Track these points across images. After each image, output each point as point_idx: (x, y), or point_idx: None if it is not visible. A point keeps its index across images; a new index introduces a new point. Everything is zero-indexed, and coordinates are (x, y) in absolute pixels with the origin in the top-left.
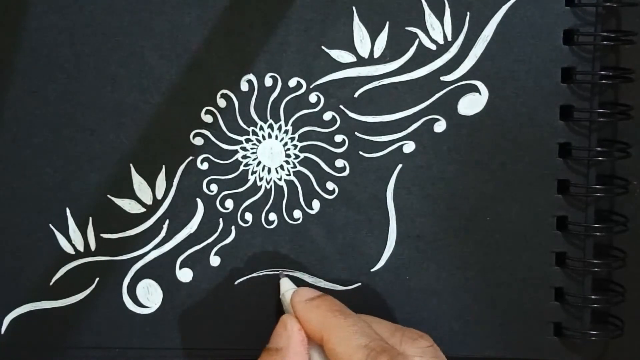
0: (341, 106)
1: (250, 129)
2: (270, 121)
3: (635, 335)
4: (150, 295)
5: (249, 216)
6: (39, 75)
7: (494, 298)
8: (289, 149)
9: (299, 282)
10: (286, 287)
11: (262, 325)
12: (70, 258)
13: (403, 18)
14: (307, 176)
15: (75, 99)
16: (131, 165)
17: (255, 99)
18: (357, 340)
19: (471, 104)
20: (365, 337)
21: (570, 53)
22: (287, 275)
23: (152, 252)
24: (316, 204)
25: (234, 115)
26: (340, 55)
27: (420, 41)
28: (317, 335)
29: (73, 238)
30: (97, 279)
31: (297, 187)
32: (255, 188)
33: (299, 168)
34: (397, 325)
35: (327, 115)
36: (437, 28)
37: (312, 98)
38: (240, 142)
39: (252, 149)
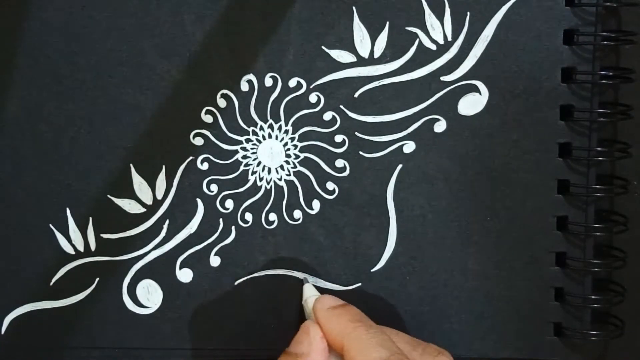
0: (341, 106)
1: (250, 129)
2: (271, 121)
3: (635, 335)
4: (150, 296)
5: (249, 216)
6: (39, 75)
7: (494, 298)
8: (289, 149)
9: (298, 283)
10: (309, 293)
11: (262, 326)
12: (70, 258)
13: (403, 18)
14: (307, 176)
15: (75, 99)
16: (131, 165)
17: (256, 99)
18: (377, 352)
19: (471, 104)
20: (385, 350)
21: (570, 53)
22: (311, 282)
23: (152, 252)
24: (316, 204)
25: (234, 115)
26: (340, 55)
27: (420, 41)
28: (338, 345)
29: (73, 238)
30: (97, 279)
31: (297, 187)
32: (255, 188)
33: (299, 168)
34: (417, 340)
35: (327, 115)
36: (437, 28)
37: (312, 98)
38: (241, 142)
39: (252, 149)
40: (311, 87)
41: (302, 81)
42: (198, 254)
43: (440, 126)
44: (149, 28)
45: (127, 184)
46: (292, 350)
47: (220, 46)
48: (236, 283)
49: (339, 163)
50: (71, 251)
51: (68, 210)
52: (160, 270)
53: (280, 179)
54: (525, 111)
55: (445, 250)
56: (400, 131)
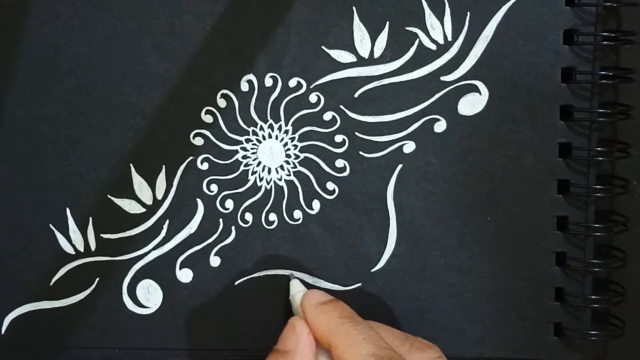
0: (341, 106)
1: (250, 129)
2: (271, 121)
3: (635, 335)
4: (150, 296)
5: (249, 216)
6: (39, 75)
7: (494, 298)
8: (289, 149)
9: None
10: (296, 289)
11: (262, 326)
12: (70, 258)
13: (403, 18)
14: (307, 176)
15: (75, 100)
16: (131, 165)
17: (256, 99)
18: (365, 348)
19: (471, 104)
20: (373, 346)
21: (570, 53)
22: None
23: (152, 253)
24: (316, 204)
25: (234, 115)
26: (340, 55)
27: (420, 41)
28: (326, 341)
29: (73, 238)
30: (97, 279)
31: (297, 187)
32: (255, 188)
33: (299, 168)
34: (406, 334)
35: (327, 115)
36: (437, 28)
37: (312, 98)
38: (241, 142)
39: (252, 149)
40: (311, 87)
41: (302, 81)
42: (198, 254)
43: (440, 126)
44: (149, 28)
45: (127, 184)
46: (279, 347)
47: (220, 46)
48: (236, 283)
49: (339, 163)
50: (71, 251)
51: (68, 210)
52: (160, 270)
53: (280, 179)
54: (525, 111)
55: (445, 250)
56: (400, 131)
